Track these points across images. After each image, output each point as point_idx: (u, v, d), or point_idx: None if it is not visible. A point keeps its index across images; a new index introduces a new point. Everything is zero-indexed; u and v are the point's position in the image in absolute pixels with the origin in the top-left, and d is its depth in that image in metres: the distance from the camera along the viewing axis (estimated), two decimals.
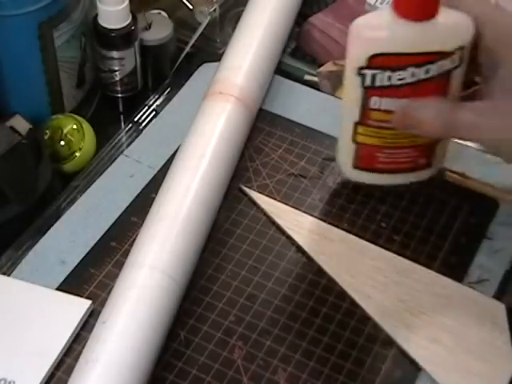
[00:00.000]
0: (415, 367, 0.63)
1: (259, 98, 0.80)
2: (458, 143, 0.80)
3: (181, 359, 0.63)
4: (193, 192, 0.68)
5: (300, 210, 0.73)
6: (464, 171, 0.76)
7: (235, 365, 0.63)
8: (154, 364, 0.61)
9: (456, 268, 0.69)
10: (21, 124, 0.70)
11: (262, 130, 0.80)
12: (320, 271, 0.69)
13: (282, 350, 0.64)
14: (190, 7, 0.90)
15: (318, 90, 0.84)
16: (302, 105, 0.83)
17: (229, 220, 0.73)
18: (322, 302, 0.67)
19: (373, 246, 0.70)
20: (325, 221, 0.72)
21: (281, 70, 0.86)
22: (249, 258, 0.70)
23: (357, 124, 0.69)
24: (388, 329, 0.64)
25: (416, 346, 0.63)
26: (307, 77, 0.87)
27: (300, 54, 0.90)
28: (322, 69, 0.84)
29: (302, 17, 0.90)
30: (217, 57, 0.85)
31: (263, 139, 0.79)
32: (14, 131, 0.69)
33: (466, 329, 0.64)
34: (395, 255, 0.69)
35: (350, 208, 0.74)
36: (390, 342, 0.64)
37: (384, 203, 0.74)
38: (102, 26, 0.80)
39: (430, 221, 0.73)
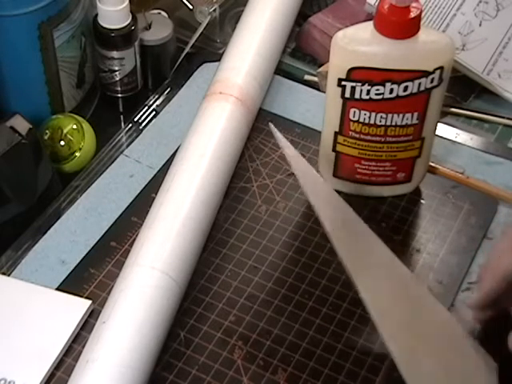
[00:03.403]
0: None
1: (259, 98, 0.80)
2: (458, 143, 0.80)
3: (181, 359, 0.63)
4: (193, 192, 0.68)
5: (300, 210, 0.73)
6: (464, 171, 0.76)
7: (235, 365, 0.63)
8: (154, 364, 0.61)
9: (456, 268, 0.69)
10: (21, 124, 0.70)
11: (262, 130, 0.80)
12: (320, 271, 0.69)
13: (281, 350, 0.64)
14: (190, 7, 0.90)
15: (318, 90, 0.84)
16: (301, 105, 0.83)
17: (229, 220, 0.73)
18: (322, 302, 0.67)
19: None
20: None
21: (281, 69, 0.87)
22: (249, 258, 0.70)
23: (337, 134, 0.70)
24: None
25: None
26: (307, 77, 0.87)
27: (300, 54, 0.90)
28: (321, 69, 0.84)
29: (302, 17, 0.90)
30: (217, 57, 0.85)
31: (263, 139, 0.79)
32: (14, 131, 0.69)
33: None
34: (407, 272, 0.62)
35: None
36: None
37: (384, 203, 0.74)
38: (102, 26, 0.80)
39: (430, 221, 0.73)
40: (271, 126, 0.65)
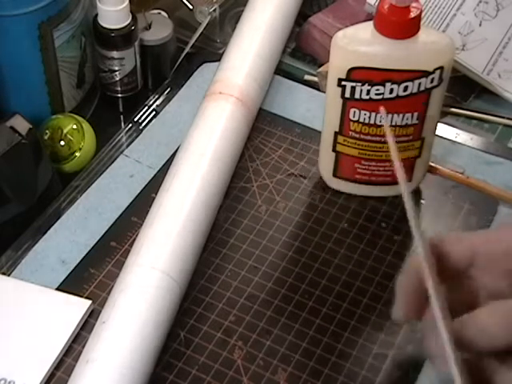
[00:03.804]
0: (415, 367, 0.63)
1: (259, 97, 0.80)
2: (458, 143, 0.80)
3: (181, 359, 0.63)
4: (193, 192, 0.68)
5: (300, 210, 0.73)
6: (464, 171, 0.76)
7: (235, 365, 0.63)
8: (154, 364, 0.61)
9: None
10: (21, 124, 0.70)
11: (262, 130, 0.80)
12: (320, 271, 0.69)
13: (281, 350, 0.64)
14: (190, 7, 0.90)
15: (318, 90, 0.84)
16: (301, 105, 0.83)
17: (229, 220, 0.73)
18: (322, 302, 0.67)
19: None
20: (325, 221, 0.73)
21: (281, 69, 0.86)
22: (249, 258, 0.70)
23: (337, 134, 0.70)
24: None
25: None
26: (307, 77, 0.87)
27: (300, 54, 0.90)
28: (321, 69, 0.84)
29: (302, 17, 0.90)
30: (217, 57, 0.85)
31: (263, 139, 0.79)
32: (14, 131, 0.69)
33: None
34: None
35: (349, 208, 0.74)
36: (390, 343, 0.64)
37: (384, 203, 0.74)
38: (101, 26, 0.80)
39: (430, 221, 0.73)
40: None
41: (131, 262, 0.64)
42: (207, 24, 0.88)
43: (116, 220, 0.72)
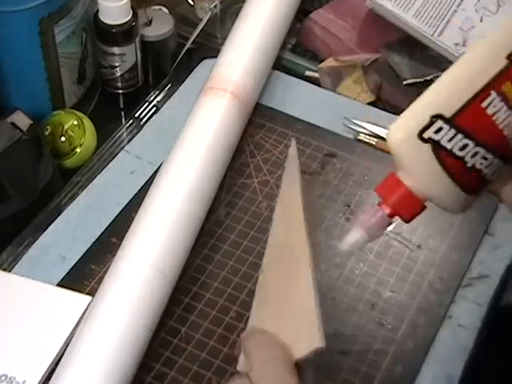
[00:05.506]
0: (416, 363, 0.63)
1: (255, 92, 0.79)
2: None
3: (181, 355, 0.63)
4: (184, 186, 0.68)
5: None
6: None
7: (236, 361, 0.63)
8: (143, 354, 0.60)
9: (457, 263, 0.69)
10: (22, 120, 0.70)
11: (263, 126, 0.80)
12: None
13: None
14: (191, 3, 0.90)
15: (319, 85, 0.84)
16: (302, 101, 0.83)
17: (229, 216, 0.73)
18: None
19: None
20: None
21: (282, 65, 0.86)
22: (250, 253, 0.70)
23: None
24: None
25: None
26: (308, 73, 0.87)
27: (301, 50, 0.90)
28: (322, 65, 0.84)
29: (302, 13, 0.90)
30: (217, 53, 0.85)
31: (264, 135, 0.79)
32: (15, 127, 0.69)
33: None
34: None
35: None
36: (391, 339, 0.64)
37: None
38: (102, 22, 0.80)
39: (431, 217, 0.73)
40: None
41: (121, 256, 0.64)
42: (208, 20, 0.88)
43: (117, 216, 0.72)
